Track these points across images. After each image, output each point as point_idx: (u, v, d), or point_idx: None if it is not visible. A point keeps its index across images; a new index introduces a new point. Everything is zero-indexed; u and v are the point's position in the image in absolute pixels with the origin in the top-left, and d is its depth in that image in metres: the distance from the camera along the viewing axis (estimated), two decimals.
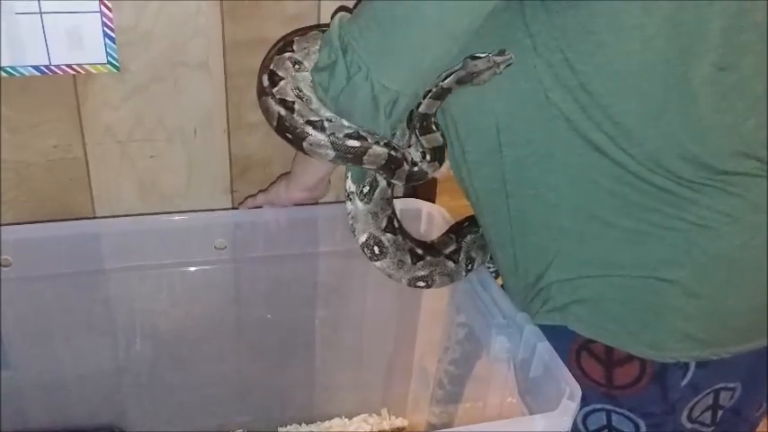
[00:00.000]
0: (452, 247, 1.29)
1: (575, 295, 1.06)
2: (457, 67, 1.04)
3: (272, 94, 1.09)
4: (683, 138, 0.94)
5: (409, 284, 1.25)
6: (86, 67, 1.27)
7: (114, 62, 1.28)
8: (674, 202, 0.97)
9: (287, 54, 1.12)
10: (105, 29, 1.25)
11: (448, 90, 1.07)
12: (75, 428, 1.50)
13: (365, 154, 1.05)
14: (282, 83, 1.10)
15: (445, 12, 0.91)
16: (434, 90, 1.07)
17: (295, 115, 1.07)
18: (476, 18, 0.92)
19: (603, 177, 0.98)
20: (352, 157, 1.06)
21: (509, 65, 0.99)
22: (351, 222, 1.20)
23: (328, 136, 1.05)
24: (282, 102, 1.08)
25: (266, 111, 1.11)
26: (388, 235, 1.20)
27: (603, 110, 0.94)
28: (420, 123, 1.12)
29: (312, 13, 1.35)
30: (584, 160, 0.99)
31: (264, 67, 1.14)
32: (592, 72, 0.93)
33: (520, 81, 0.99)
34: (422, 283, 1.25)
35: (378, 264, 1.21)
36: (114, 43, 1.27)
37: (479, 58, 1.01)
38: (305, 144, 1.07)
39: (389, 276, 1.23)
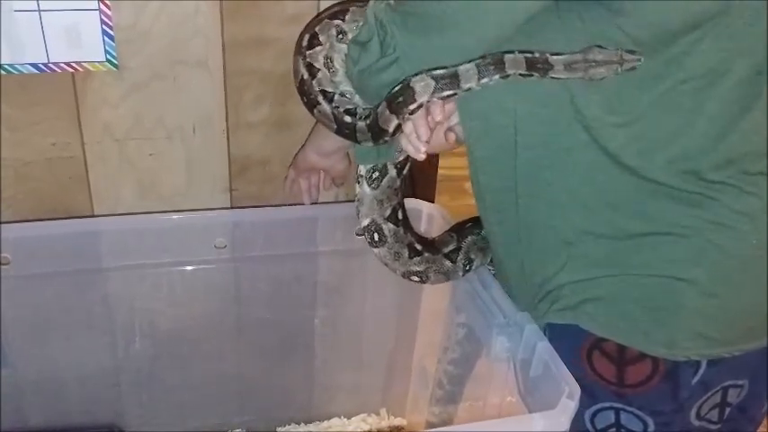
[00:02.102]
0: (452, 247, 1.28)
1: (587, 294, 1.05)
2: (573, 50, 0.95)
3: (304, 56, 1.13)
4: (711, 136, 0.95)
5: (403, 277, 1.25)
6: (85, 65, 1.27)
7: (113, 60, 1.28)
8: (692, 202, 0.97)
9: (336, 21, 1.12)
10: (104, 27, 1.25)
11: (548, 67, 0.95)
12: (74, 427, 1.50)
13: (356, 131, 1.08)
14: (318, 48, 1.12)
15: (484, 20, 0.92)
16: (534, 54, 0.96)
17: (314, 82, 1.11)
18: (512, 27, 0.93)
19: (620, 181, 0.99)
20: (349, 133, 1.09)
21: (633, 68, 0.92)
22: (356, 205, 1.20)
23: (333, 108, 1.09)
24: (309, 66, 1.12)
25: (295, 70, 1.15)
26: (390, 225, 1.20)
27: (628, 113, 0.95)
28: (486, 61, 0.96)
29: (312, 13, 1.35)
30: (601, 164, 0.99)
31: (310, 26, 1.15)
32: (627, 82, 0.94)
33: (549, 82, 0.97)
34: (416, 278, 1.25)
35: (375, 251, 1.22)
36: (113, 41, 1.27)
37: (605, 48, 0.92)
38: (315, 111, 1.12)
39: (385, 265, 1.23)
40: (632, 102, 0.95)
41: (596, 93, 0.96)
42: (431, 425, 1.55)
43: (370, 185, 1.18)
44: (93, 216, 1.42)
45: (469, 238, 1.29)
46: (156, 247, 1.41)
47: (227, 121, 1.41)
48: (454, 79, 0.98)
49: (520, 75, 0.97)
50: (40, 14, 1.21)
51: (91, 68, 1.28)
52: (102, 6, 1.23)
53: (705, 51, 0.91)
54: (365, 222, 1.21)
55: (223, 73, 1.36)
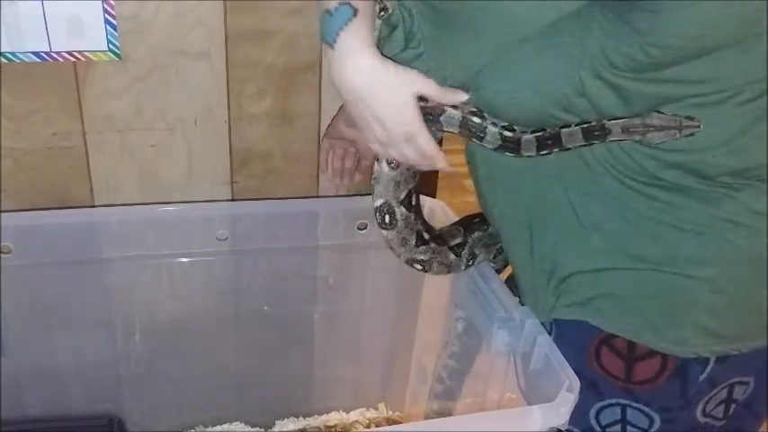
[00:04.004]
0: (458, 240, 1.28)
1: (597, 289, 1.05)
2: (629, 114, 0.94)
3: None
4: (726, 148, 0.94)
5: (406, 263, 1.24)
6: (87, 54, 1.27)
7: (115, 50, 1.28)
8: (709, 200, 0.96)
9: None
10: (107, 16, 1.25)
11: (606, 132, 0.95)
12: (73, 417, 1.50)
13: None
14: None
15: (505, 27, 0.90)
16: (591, 123, 0.96)
17: None
18: (532, 33, 0.91)
19: (637, 179, 0.98)
20: None
21: (691, 134, 0.91)
22: (372, 183, 1.19)
23: None
24: None
25: None
26: (403, 209, 1.19)
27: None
28: (544, 136, 0.99)
29: (314, 5, 1.34)
30: (618, 163, 0.98)
31: None
32: (641, 95, 0.93)
33: (564, 86, 0.95)
34: (419, 266, 1.24)
35: (383, 233, 1.21)
36: (116, 31, 1.26)
37: (664, 114, 0.92)
38: None
39: (390, 248, 1.22)
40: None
41: (611, 91, 0.94)
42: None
43: (389, 164, 1.16)
44: (93, 206, 1.42)
45: (476, 233, 1.29)
46: (157, 238, 1.41)
47: (228, 112, 1.41)
48: (517, 145, 1.01)
49: (580, 146, 0.98)
50: (42, 3, 1.21)
51: (93, 58, 1.28)
52: None
53: (723, 70, 0.90)
54: (378, 203, 1.19)
55: (225, 64, 1.36)
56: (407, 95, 0.97)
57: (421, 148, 1.01)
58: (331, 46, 0.95)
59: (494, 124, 1.01)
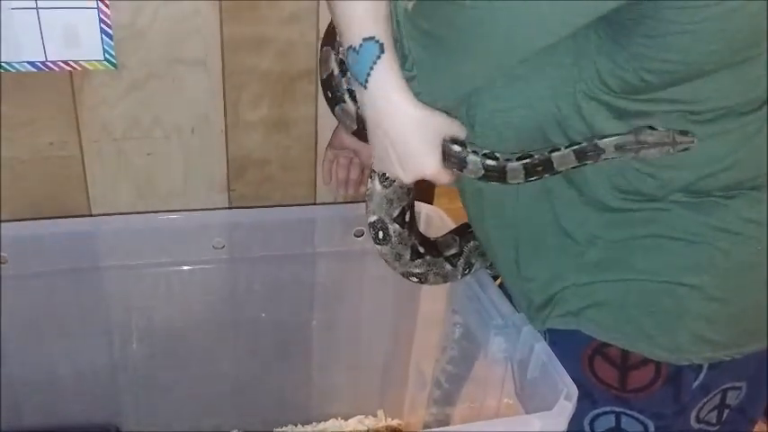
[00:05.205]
0: (454, 250, 1.27)
1: (590, 299, 1.05)
2: (623, 132, 0.92)
3: (338, 51, 1.08)
4: (719, 164, 0.94)
5: (402, 276, 1.24)
6: (83, 63, 1.27)
7: (111, 59, 1.28)
8: (700, 209, 0.97)
9: None
10: (102, 25, 1.25)
11: (600, 152, 0.93)
12: (71, 426, 1.50)
13: None
14: None
15: (498, 52, 0.89)
16: (582, 144, 0.94)
17: (344, 80, 1.07)
18: (525, 58, 0.90)
19: (629, 197, 0.98)
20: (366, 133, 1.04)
21: (686, 149, 0.89)
22: (366, 199, 1.18)
23: (357, 108, 1.05)
24: (341, 63, 1.08)
25: (324, 61, 1.10)
26: (396, 226, 1.18)
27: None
28: (533, 162, 0.96)
29: (311, 13, 1.35)
30: (610, 182, 0.98)
31: None
32: (637, 114, 0.92)
33: (561, 104, 0.95)
34: (415, 279, 1.24)
35: (378, 248, 1.20)
36: (111, 40, 1.26)
37: (657, 130, 0.90)
38: (337, 108, 1.09)
39: (386, 262, 1.22)
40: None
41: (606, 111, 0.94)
42: (428, 426, 1.55)
43: (381, 183, 1.15)
44: (90, 216, 1.42)
45: (472, 243, 1.28)
46: (154, 247, 1.41)
47: (225, 120, 1.41)
48: (502, 174, 0.98)
49: (572, 168, 0.95)
50: (38, 12, 1.21)
51: (89, 67, 1.28)
52: (101, 5, 1.23)
53: (718, 90, 0.90)
54: (372, 219, 1.18)
55: (222, 72, 1.36)
56: (434, 143, 0.96)
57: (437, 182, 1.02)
58: (363, 86, 0.93)
59: (474, 153, 0.98)
